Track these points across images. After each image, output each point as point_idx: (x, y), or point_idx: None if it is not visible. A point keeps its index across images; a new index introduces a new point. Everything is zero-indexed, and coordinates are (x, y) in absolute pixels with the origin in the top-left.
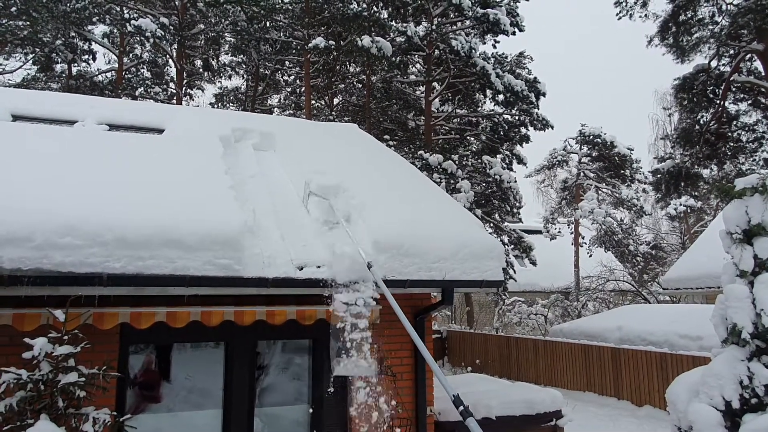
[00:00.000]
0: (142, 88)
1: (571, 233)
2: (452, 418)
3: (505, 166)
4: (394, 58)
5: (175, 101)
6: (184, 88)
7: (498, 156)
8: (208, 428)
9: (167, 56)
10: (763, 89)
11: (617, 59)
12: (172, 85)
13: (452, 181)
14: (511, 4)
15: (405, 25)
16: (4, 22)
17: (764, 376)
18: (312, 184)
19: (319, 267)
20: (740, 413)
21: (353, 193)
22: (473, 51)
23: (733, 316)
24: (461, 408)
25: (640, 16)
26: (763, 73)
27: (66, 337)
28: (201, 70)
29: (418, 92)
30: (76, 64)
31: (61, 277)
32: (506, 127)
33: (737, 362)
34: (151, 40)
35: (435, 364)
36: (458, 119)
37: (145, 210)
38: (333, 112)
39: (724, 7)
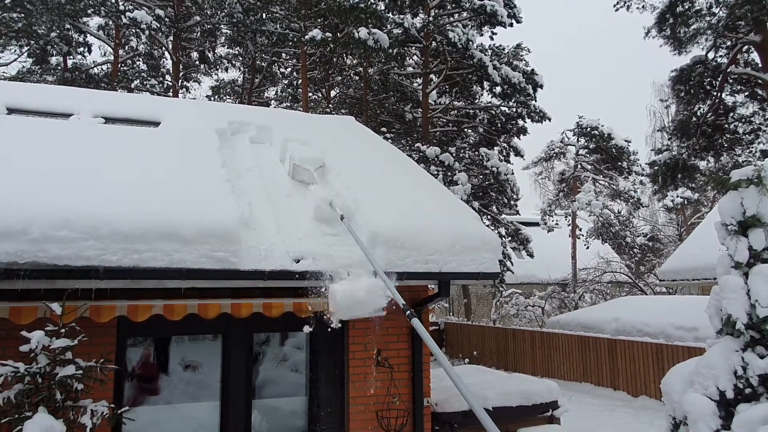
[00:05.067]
0: (138, 81)
1: (569, 225)
2: (449, 408)
3: (502, 158)
4: (391, 50)
5: (171, 94)
6: (180, 80)
7: (495, 148)
8: (207, 420)
9: (163, 48)
10: (759, 81)
11: (615, 52)
12: (168, 77)
13: (449, 174)
14: None
15: (402, 16)
16: None
17: (758, 367)
18: (296, 156)
19: (315, 259)
20: (734, 403)
21: (349, 184)
22: (470, 43)
23: (727, 308)
24: (408, 312)
25: (638, 7)
26: (760, 65)
27: (63, 330)
28: (197, 62)
29: (415, 84)
30: (71, 57)
31: (57, 270)
32: (503, 119)
33: (732, 353)
34: (147, 32)
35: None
36: (455, 111)
37: (141, 203)
38: (330, 105)
39: None
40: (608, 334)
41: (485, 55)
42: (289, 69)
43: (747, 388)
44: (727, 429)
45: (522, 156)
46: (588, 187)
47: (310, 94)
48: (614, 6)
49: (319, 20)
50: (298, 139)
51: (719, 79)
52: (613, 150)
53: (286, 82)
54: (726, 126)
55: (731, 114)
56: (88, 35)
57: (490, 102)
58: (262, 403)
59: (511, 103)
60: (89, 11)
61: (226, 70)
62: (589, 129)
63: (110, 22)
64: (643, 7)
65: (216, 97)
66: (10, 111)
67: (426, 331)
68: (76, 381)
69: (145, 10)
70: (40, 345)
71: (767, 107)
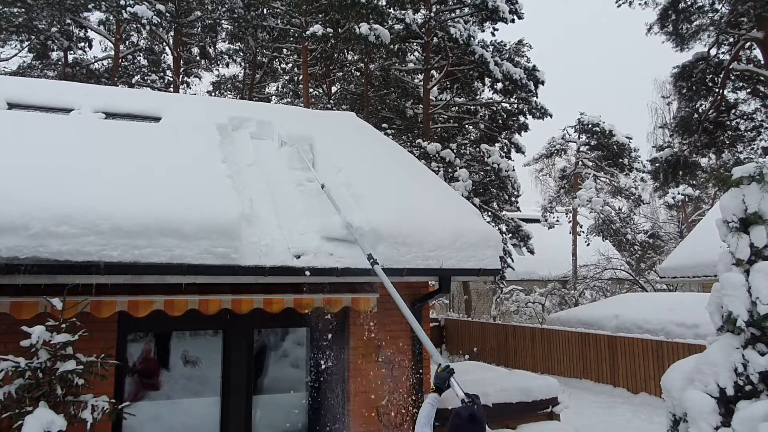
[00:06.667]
0: (139, 76)
1: (569, 222)
2: (449, 405)
3: (503, 154)
4: (392, 46)
5: (172, 89)
6: (181, 76)
7: (496, 145)
8: (207, 415)
9: (164, 44)
10: (762, 77)
11: (616, 49)
12: (168, 72)
13: (450, 170)
14: None
15: (403, 12)
16: None
17: (759, 364)
18: (284, 134)
19: (315, 255)
20: (734, 400)
21: (350, 180)
22: (472, 39)
23: (728, 305)
24: (371, 260)
25: (640, 4)
26: (762, 62)
27: (64, 326)
28: (198, 57)
29: (416, 80)
30: (72, 52)
31: (57, 265)
32: (505, 116)
33: (732, 350)
34: (148, 28)
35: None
36: (457, 108)
37: (142, 199)
38: (331, 101)
39: None
40: (608, 331)
41: (487, 51)
42: (290, 65)
43: (747, 385)
44: (727, 426)
45: (523, 152)
46: (589, 183)
47: (311, 90)
48: (616, 2)
49: (320, 16)
50: (298, 134)
51: (721, 75)
52: (615, 147)
53: (287, 77)
54: (728, 123)
55: (733, 111)
56: (89, 30)
57: (491, 98)
58: (262, 399)
59: (512, 100)
60: (90, 6)
61: (227, 65)
62: (590, 125)
63: (111, 17)
64: (645, 3)
65: (217, 92)
66: (11, 106)
67: (388, 280)
68: (76, 376)
69: (146, 5)
70: (41, 340)
71: None
